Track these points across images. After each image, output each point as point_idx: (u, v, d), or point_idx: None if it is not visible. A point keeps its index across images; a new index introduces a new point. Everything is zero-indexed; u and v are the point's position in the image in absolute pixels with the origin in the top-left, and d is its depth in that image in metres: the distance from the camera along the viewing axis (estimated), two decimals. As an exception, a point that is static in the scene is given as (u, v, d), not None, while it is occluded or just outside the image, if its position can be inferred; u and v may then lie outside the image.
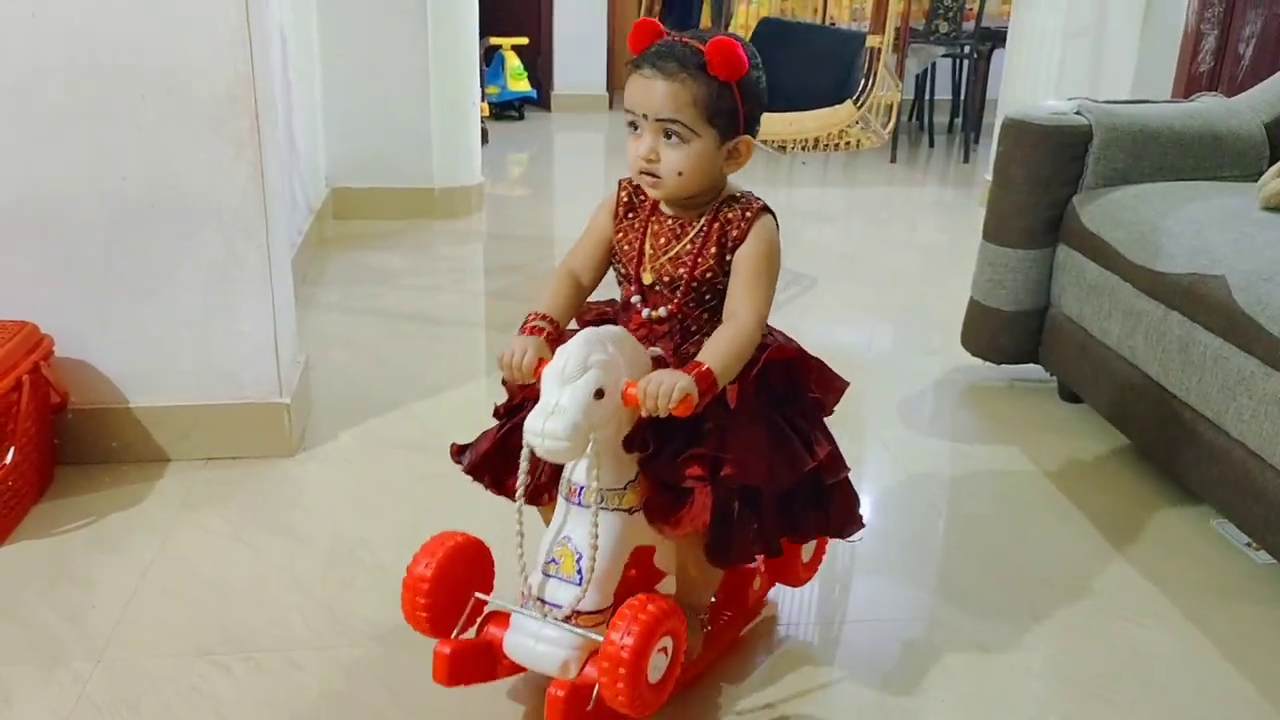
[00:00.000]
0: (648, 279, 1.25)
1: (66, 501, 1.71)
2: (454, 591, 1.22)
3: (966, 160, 5.21)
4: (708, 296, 1.23)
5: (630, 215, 1.29)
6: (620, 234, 1.29)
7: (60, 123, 1.66)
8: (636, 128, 1.20)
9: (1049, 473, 1.95)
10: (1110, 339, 1.97)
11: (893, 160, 5.16)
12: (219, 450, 1.86)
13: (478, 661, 1.23)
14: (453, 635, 1.22)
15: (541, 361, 1.15)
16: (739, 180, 1.28)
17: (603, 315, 1.32)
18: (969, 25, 5.29)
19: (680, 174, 1.19)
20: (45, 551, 1.58)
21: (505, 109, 6.04)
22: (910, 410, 2.24)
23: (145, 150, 1.69)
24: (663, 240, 1.25)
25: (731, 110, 1.18)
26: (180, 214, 1.73)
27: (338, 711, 1.27)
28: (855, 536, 1.32)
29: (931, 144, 5.67)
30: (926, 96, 5.74)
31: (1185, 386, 1.74)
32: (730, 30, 4.77)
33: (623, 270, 1.29)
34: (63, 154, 1.67)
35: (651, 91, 1.16)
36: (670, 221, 1.25)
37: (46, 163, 1.68)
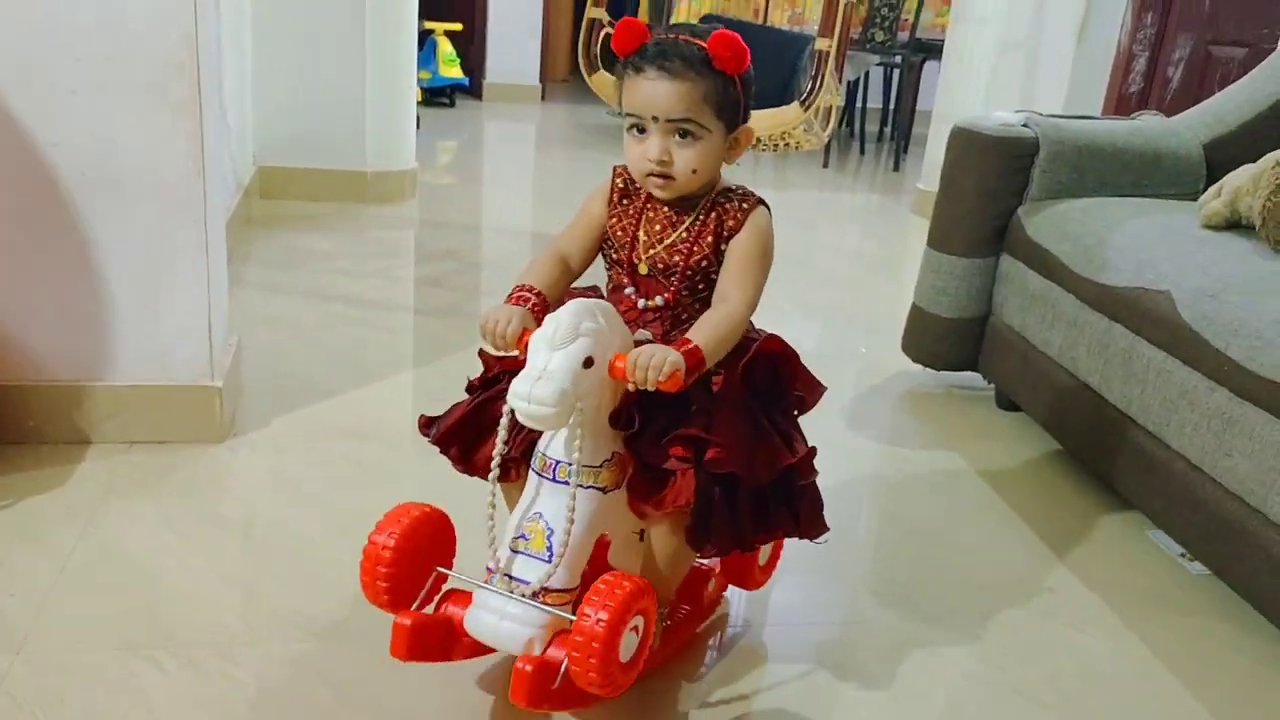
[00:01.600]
0: (642, 267, 1.24)
1: (-21, 483, 1.61)
2: (415, 564, 1.18)
3: (897, 169, 5.28)
4: (701, 286, 1.23)
5: (625, 202, 1.28)
6: (614, 219, 1.28)
7: (-14, 81, 1.56)
8: (641, 130, 1.19)
9: (988, 479, 1.97)
10: (1052, 349, 2.00)
11: (824, 165, 5.20)
12: (145, 434, 1.77)
13: (436, 639, 1.19)
14: (413, 606, 1.18)
15: (525, 332, 1.14)
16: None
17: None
18: (903, 35, 5.37)
19: (695, 171, 1.18)
20: (-44, 536, 1.49)
21: (436, 95, 5.94)
22: (850, 414, 2.25)
23: (79, 117, 1.60)
24: (658, 228, 1.24)
25: (736, 102, 1.19)
26: (113, 184, 1.65)
27: (278, 710, 1.21)
28: (822, 538, 1.31)
29: (862, 151, 5.74)
30: (859, 104, 5.80)
31: (1127, 398, 1.77)
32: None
33: (614, 256, 1.28)
34: (-13, 114, 1.58)
35: (659, 93, 1.15)
36: (666, 210, 1.24)
37: (-31, 123, 1.58)
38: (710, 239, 1.22)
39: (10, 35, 1.55)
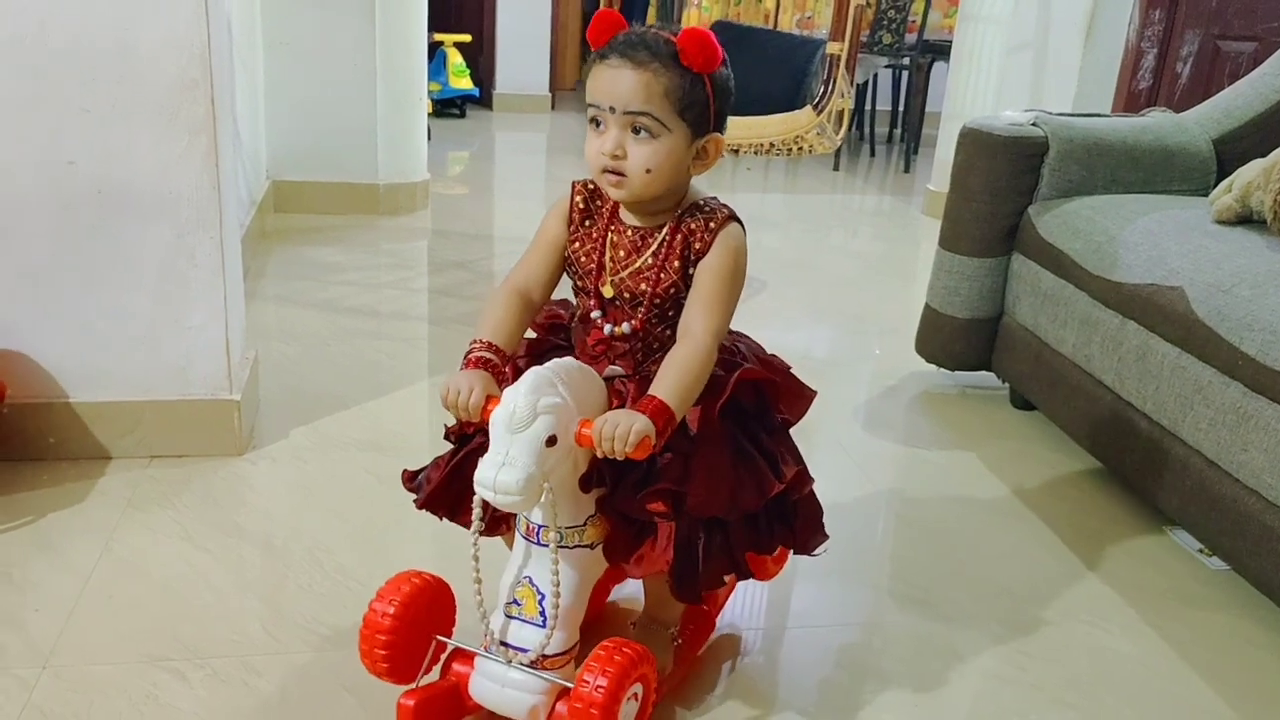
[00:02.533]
0: (608, 293, 1.18)
1: (2, 499, 1.63)
2: (414, 634, 1.16)
3: (907, 170, 5.28)
4: (671, 313, 1.17)
5: (587, 223, 1.21)
6: (576, 243, 1.21)
7: (4, 106, 1.58)
8: (599, 124, 1.13)
9: (1005, 479, 1.96)
10: (1065, 347, 2.00)
11: (835, 168, 5.20)
12: (164, 448, 1.79)
13: (443, 707, 1.18)
14: (416, 680, 1.17)
15: (490, 399, 1.08)
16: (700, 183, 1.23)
17: (555, 319, 1.28)
18: (911, 37, 5.36)
19: (648, 171, 1.12)
20: (-20, 552, 1.50)
21: (447, 106, 5.96)
22: (865, 415, 2.25)
23: (94, 135, 1.62)
24: (623, 253, 1.18)
25: (704, 104, 1.12)
26: (129, 202, 1.66)
27: (301, 718, 1.22)
28: (820, 549, 1.28)
29: (872, 153, 5.74)
30: (868, 106, 5.80)
31: (1142, 395, 1.77)
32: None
33: (579, 282, 1.22)
34: (4, 138, 1.59)
35: (620, 81, 1.09)
36: (630, 233, 1.18)
37: (-13, 144, 1.60)
38: (677, 263, 1.15)
39: (26, 56, 1.57)
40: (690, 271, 1.16)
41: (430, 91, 5.65)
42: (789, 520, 1.23)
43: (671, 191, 1.16)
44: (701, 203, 1.18)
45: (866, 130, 5.83)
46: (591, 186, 1.22)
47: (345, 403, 2.07)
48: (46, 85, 1.59)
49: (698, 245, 1.15)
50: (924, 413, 2.30)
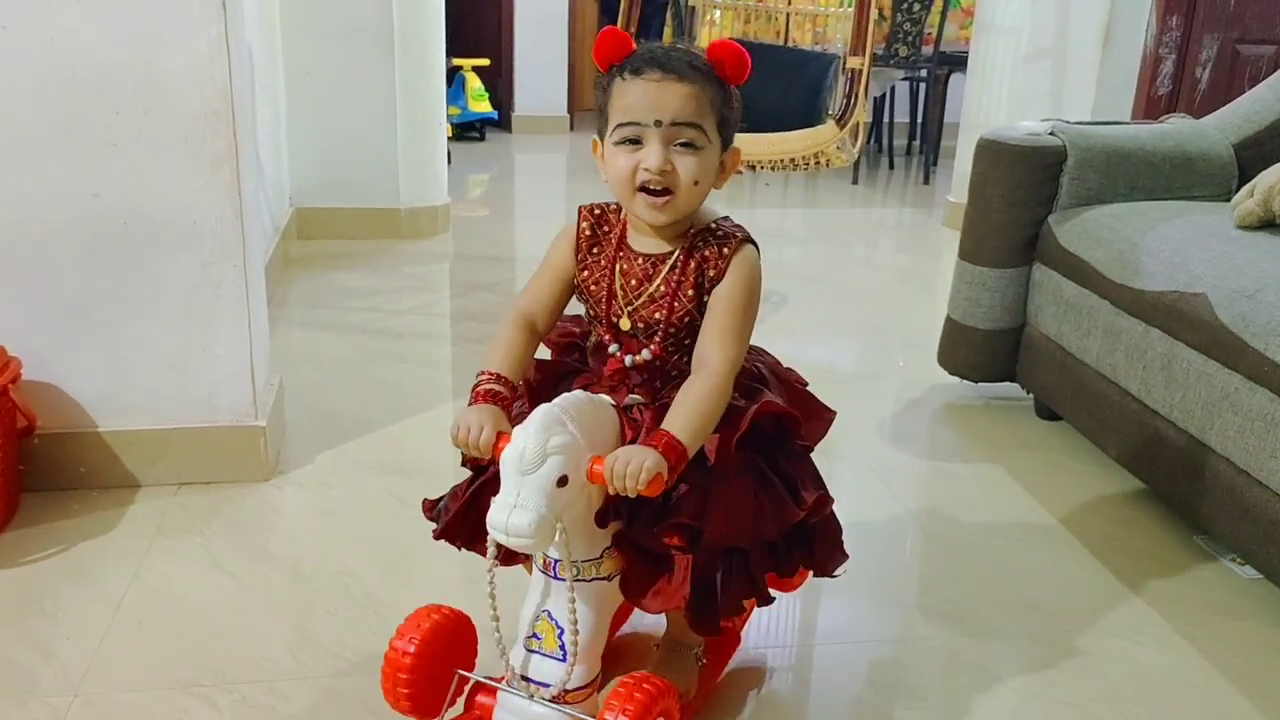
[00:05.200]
0: (624, 324, 1.16)
1: (34, 529, 1.65)
2: (436, 669, 1.16)
3: (926, 182, 5.27)
4: (686, 340, 1.15)
5: (595, 250, 1.18)
6: (585, 272, 1.18)
7: (31, 139, 1.61)
8: (635, 141, 1.09)
9: (1032, 490, 1.95)
10: (1089, 357, 1.99)
11: (854, 182, 5.20)
12: (192, 475, 1.81)
13: None
14: (441, 716, 1.17)
15: (501, 435, 1.06)
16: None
17: (568, 336, 1.26)
18: (927, 49, 5.36)
19: (696, 183, 1.09)
20: (13, 581, 1.52)
21: (466, 130, 6.01)
22: (890, 429, 2.24)
23: (119, 168, 1.65)
24: (634, 281, 1.15)
25: (734, 118, 1.12)
26: (155, 233, 1.69)
27: (330, 744, 1.23)
28: (840, 570, 1.26)
29: (891, 166, 5.73)
30: (885, 119, 5.80)
31: (1168, 403, 1.75)
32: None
33: (591, 312, 1.20)
34: (33, 171, 1.62)
35: (667, 93, 1.06)
36: (640, 260, 1.15)
37: (15, 180, 1.62)
38: (691, 291, 1.13)
39: (53, 90, 1.60)
40: (705, 299, 1.13)
41: (450, 115, 5.70)
42: (808, 543, 1.22)
43: (697, 207, 1.14)
44: (714, 225, 1.16)
45: (885, 143, 5.84)
46: (598, 211, 1.19)
47: (370, 427, 2.08)
48: (72, 119, 1.61)
49: (712, 272, 1.13)
50: (948, 425, 2.28)
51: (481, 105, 5.98)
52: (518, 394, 1.17)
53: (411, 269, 3.35)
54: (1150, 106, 3.53)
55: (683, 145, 1.08)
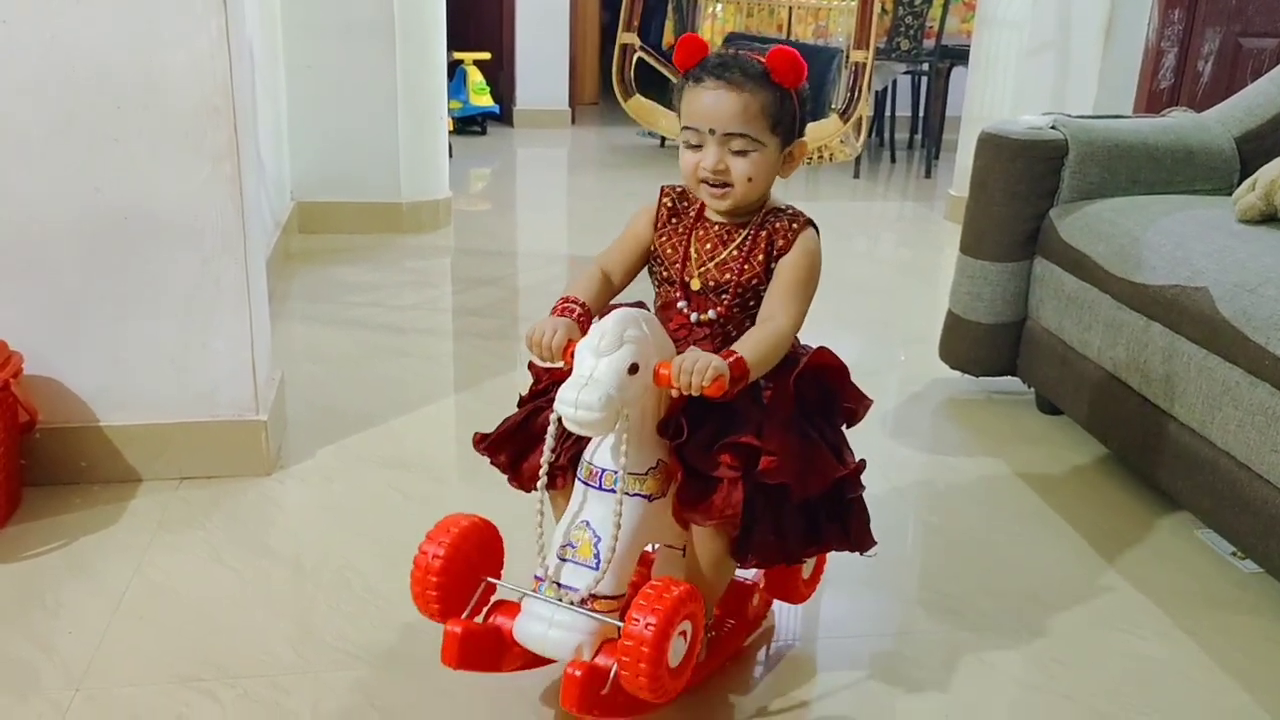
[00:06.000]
0: (695, 284, 1.25)
1: (36, 524, 1.65)
2: (464, 574, 1.20)
3: (928, 175, 5.26)
4: (752, 303, 1.24)
5: (674, 220, 1.29)
6: (663, 238, 1.29)
7: (31, 135, 1.61)
8: (696, 144, 1.21)
9: (1033, 484, 1.95)
10: (1091, 351, 1.99)
11: (856, 175, 5.19)
12: (193, 470, 1.81)
13: (486, 647, 1.20)
14: (462, 618, 1.19)
15: (570, 342, 1.16)
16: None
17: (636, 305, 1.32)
18: (929, 43, 5.35)
19: (750, 180, 1.20)
20: (15, 576, 1.52)
21: (468, 124, 6.00)
22: (891, 423, 2.24)
23: (120, 163, 1.65)
24: (709, 246, 1.26)
25: (792, 115, 1.21)
26: (155, 229, 1.69)
27: (331, 738, 1.23)
28: (871, 552, 1.31)
29: (893, 160, 5.73)
30: (887, 113, 5.79)
31: (1169, 397, 1.75)
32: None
33: (664, 273, 1.29)
34: (33, 167, 1.62)
35: (719, 103, 1.17)
36: (716, 228, 1.26)
37: (16, 176, 1.62)
38: (761, 257, 1.23)
39: (53, 86, 1.60)
40: (772, 266, 1.24)
41: (451, 109, 5.70)
42: (843, 519, 1.27)
43: (762, 195, 1.25)
44: (784, 207, 1.27)
45: (886, 136, 5.82)
46: (679, 189, 1.30)
47: (372, 421, 2.09)
48: (73, 114, 1.61)
49: (780, 243, 1.24)
50: (950, 419, 2.29)
51: (483, 99, 5.97)
52: (591, 321, 1.22)
53: (413, 263, 3.35)
54: (1152, 100, 3.52)
55: (737, 150, 1.19)
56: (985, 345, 2.28)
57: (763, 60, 1.18)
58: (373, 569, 1.57)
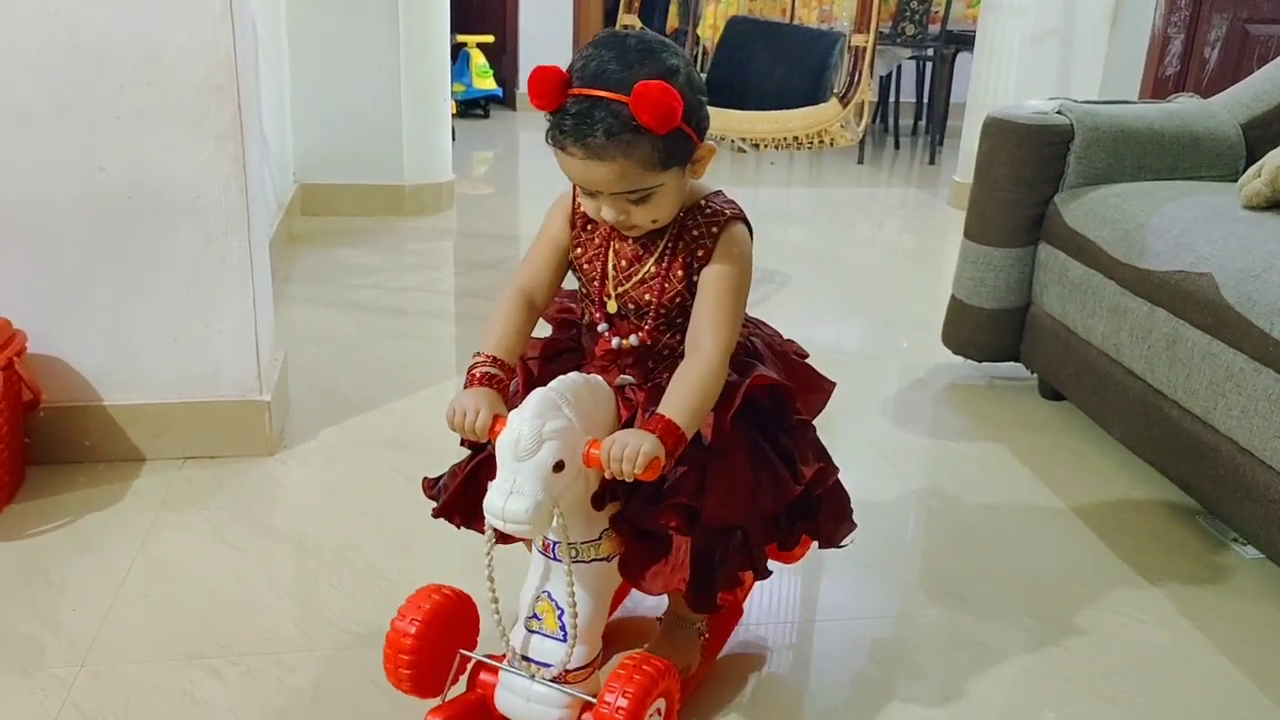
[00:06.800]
0: (612, 308, 1.17)
1: (40, 502, 1.65)
2: (438, 649, 1.16)
3: (932, 162, 5.25)
4: (678, 320, 1.15)
5: (590, 227, 1.18)
6: (580, 249, 1.19)
7: (34, 113, 1.61)
8: (591, 192, 1.09)
9: (1035, 470, 1.95)
10: (1094, 336, 1.98)
11: (859, 161, 5.18)
12: (197, 449, 1.81)
13: (472, 719, 1.19)
14: (443, 694, 1.17)
15: (496, 419, 1.06)
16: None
17: (566, 313, 1.26)
18: (934, 28, 5.33)
19: (655, 220, 1.11)
20: (19, 554, 1.53)
21: (471, 107, 5.99)
22: (893, 407, 2.24)
23: (123, 142, 1.64)
24: (625, 262, 1.15)
25: (683, 139, 1.06)
26: (159, 208, 1.69)
27: (334, 714, 1.24)
28: (847, 541, 1.26)
29: (897, 146, 5.71)
30: (891, 98, 5.77)
31: (1172, 383, 1.75)
32: (698, 30, 4.76)
33: (583, 290, 1.20)
34: (36, 145, 1.62)
35: (593, 174, 1.05)
36: (632, 241, 1.15)
37: (19, 154, 1.62)
38: (681, 273, 1.13)
39: (56, 64, 1.59)
40: (694, 279, 1.13)
41: (454, 92, 5.68)
42: (812, 514, 1.22)
43: (675, 214, 1.13)
44: (704, 203, 1.14)
45: (891, 122, 5.81)
46: None
47: (374, 403, 2.09)
48: (76, 92, 1.61)
49: (700, 252, 1.12)
50: (952, 405, 2.29)
51: (486, 82, 5.95)
52: (514, 374, 1.17)
53: (415, 246, 3.35)
54: (1158, 86, 3.51)
55: (634, 200, 1.07)
56: (988, 331, 2.28)
57: (624, 98, 1.00)
58: (374, 549, 1.58)
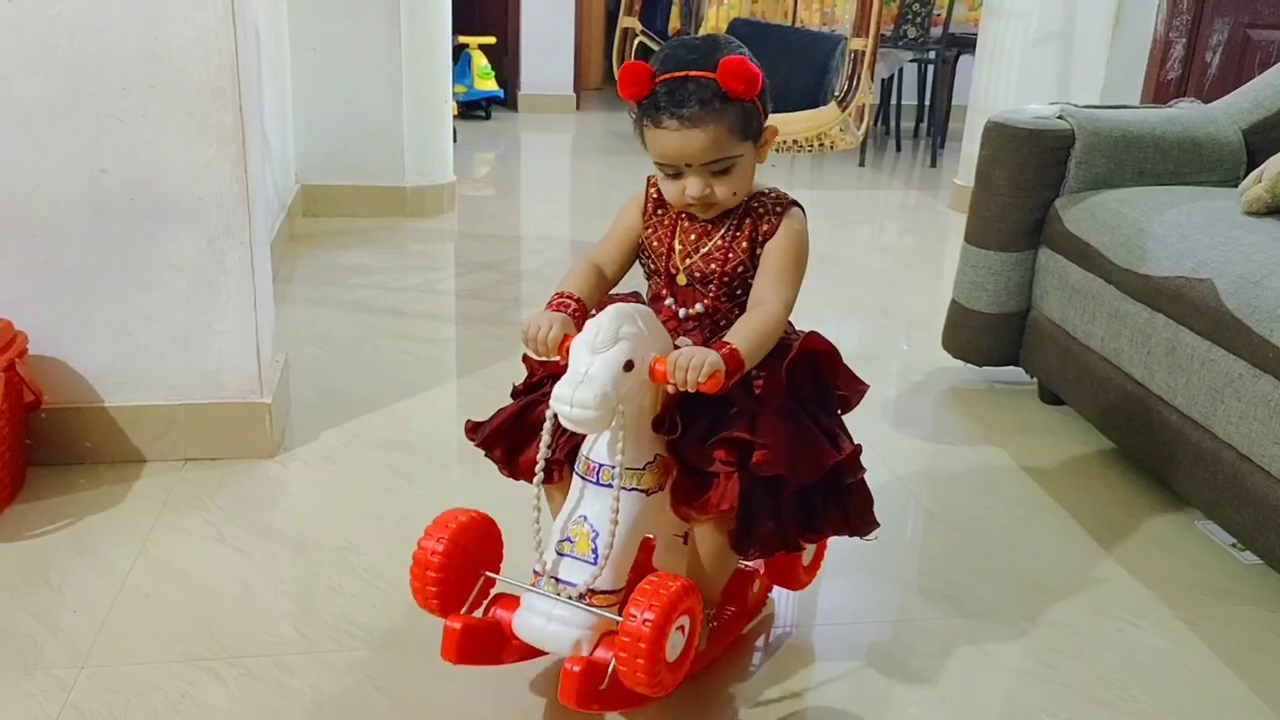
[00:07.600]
0: (681, 277, 1.25)
1: (41, 503, 1.66)
2: (463, 569, 1.20)
3: (934, 165, 5.25)
4: (739, 291, 1.24)
5: (660, 212, 1.28)
6: (650, 229, 1.29)
7: (37, 114, 1.61)
8: (674, 174, 1.20)
9: (1034, 474, 1.95)
10: (1094, 342, 1.99)
11: (860, 164, 5.18)
12: (198, 451, 1.82)
13: (485, 641, 1.21)
14: (461, 613, 1.20)
15: (566, 337, 1.15)
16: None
17: (630, 296, 1.33)
18: (936, 31, 5.34)
19: (735, 194, 1.21)
20: (20, 555, 1.53)
21: (472, 108, 6.00)
22: (893, 411, 2.25)
23: (125, 143, 1.65)
24: (693, 237, 1.25)
25: (758, 114, 1.19)
26: (160, 209, 1.69)
27: (335, 716, 1.24)
28: (872, 535, 1.32)
29: (898, 148, 5.71)
30: (893, 101, 5.78)
31: (1171, 389, 1.75)
32: (699, 33, 4.77)
33: (651, 265, 1.29)
34: (38, 145, 1.62)
35: (688, 143, 1.15)
36: (700, 219, 1.25)
37: (21, 154, 1.63)
38: (745, 244, 1.23)
39: (58, 66, 1.60)
40: (757, 252, 1.23)
41: (455, 94, 5.69)
42: (842, 503, 1.27)
43: (746, 193, 1.24)
44: (766, 191, 1.26)
45: (892, 125, 5.81)
46: None
47: (375, 404, 2.09)
48: (78, 93, 1.61)
49: (765, 227, 1.23)
50: (952, 408, 2.29)
51: (487, 84, 5.96)
52: (586, 316, 1.22)
53: (416, 247, 3.35)
54: (1160, 91, 3.51)
55: (717, 171, 1.19)
56: (988, 335, 2.28)
57: (711, 74, 1.14)
58: (375, 550, 1.58)
